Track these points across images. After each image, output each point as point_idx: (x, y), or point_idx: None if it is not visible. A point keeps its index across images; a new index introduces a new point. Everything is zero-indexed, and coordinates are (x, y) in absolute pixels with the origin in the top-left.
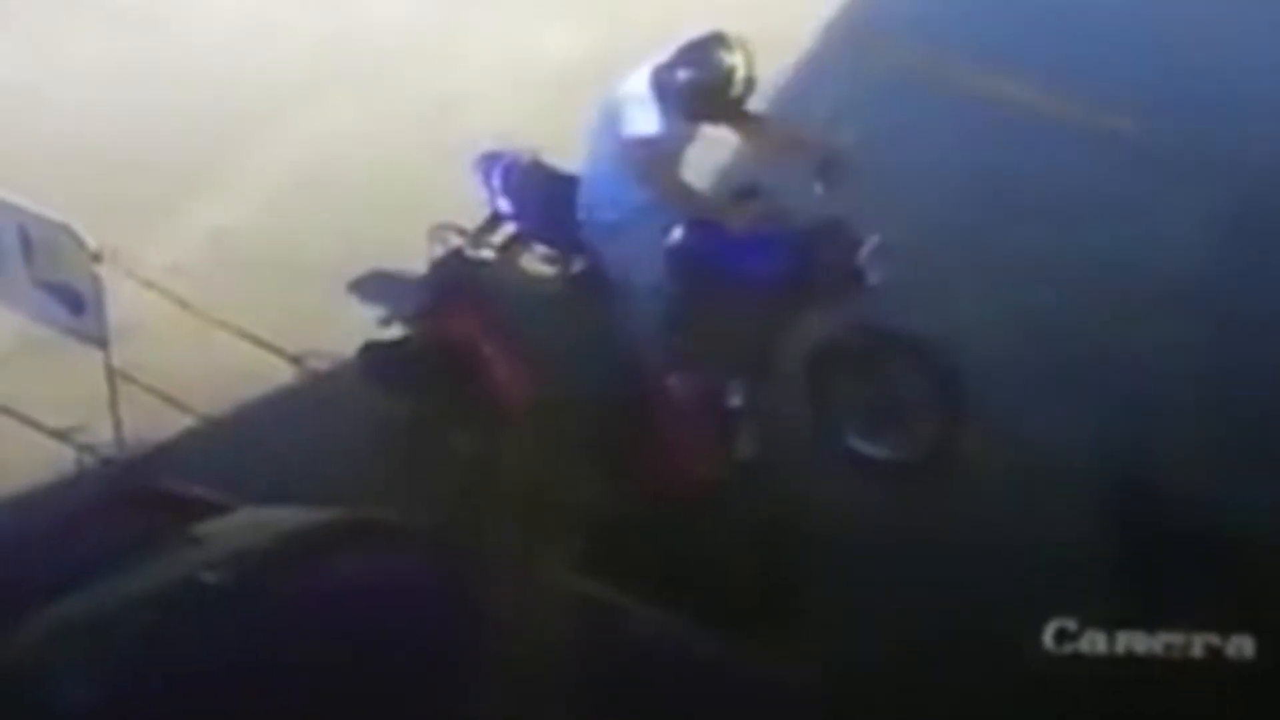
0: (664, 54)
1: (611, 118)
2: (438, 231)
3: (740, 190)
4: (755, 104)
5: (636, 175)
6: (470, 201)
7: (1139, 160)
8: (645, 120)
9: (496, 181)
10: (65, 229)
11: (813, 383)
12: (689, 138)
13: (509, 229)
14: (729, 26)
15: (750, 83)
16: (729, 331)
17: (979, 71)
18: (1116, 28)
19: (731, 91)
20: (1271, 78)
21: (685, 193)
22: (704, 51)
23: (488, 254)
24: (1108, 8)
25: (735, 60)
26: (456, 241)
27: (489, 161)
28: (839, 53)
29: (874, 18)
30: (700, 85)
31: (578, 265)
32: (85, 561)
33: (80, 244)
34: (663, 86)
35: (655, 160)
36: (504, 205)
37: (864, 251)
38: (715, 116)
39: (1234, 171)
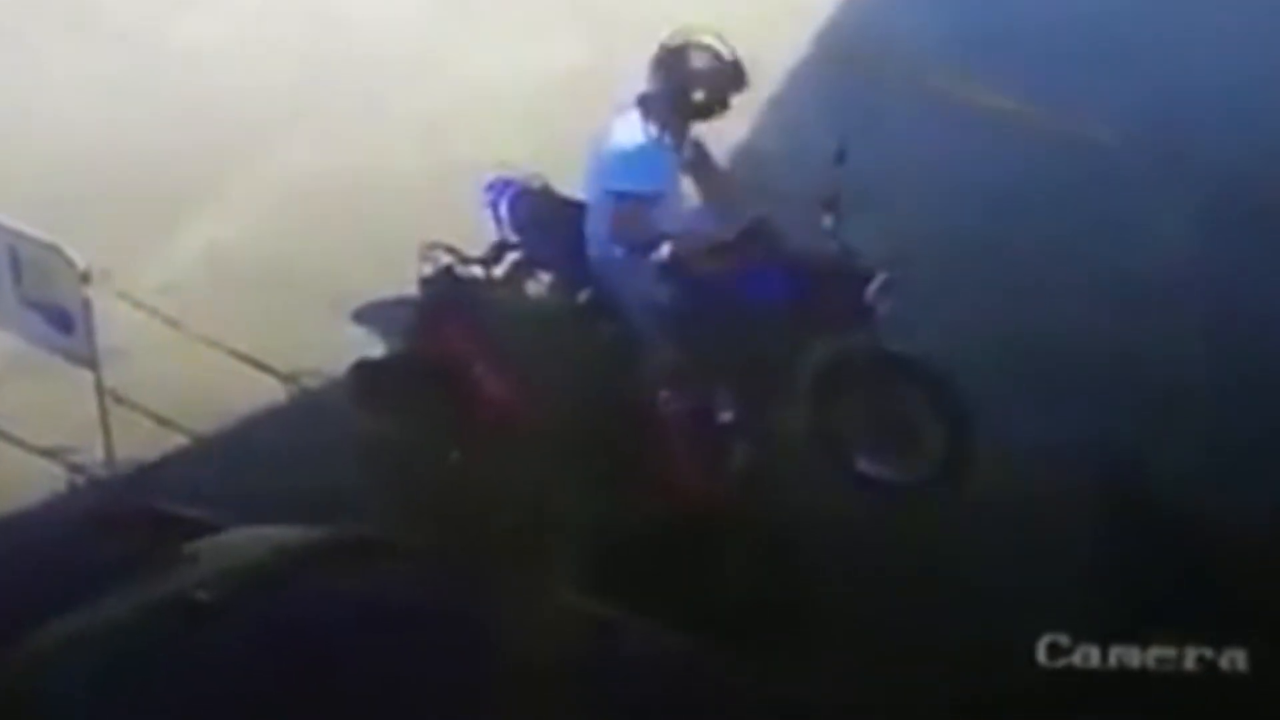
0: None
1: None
2: (427, 250)
3: (748, 226)
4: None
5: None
6: (462, 217)
7: (1126, 170)
8: (647, 169)
9: (505, 210)
10: (55, 249)
11: (816, 402)
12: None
13: (515, 256)
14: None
15: (725, 76)
16: (729, 350)
17: (965, 83)
18: (1102, 38)
19: (706, 92)
20: (1250, 82)
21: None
22: (670, 57)
23: (478, 271)
24: (1091, 20)
25: (700, 62)
26: (446, 259)
27: (497, 189)
28: (824, 68)
29: (860, 30)
30: (676, 89)
31: (585, 294)
32: (77, 581)
33: (70, 264)
34: (653, 111)
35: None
36: (512, 234)
37: (872, 286)
38: (701, 116)
39: (1220, 177)
